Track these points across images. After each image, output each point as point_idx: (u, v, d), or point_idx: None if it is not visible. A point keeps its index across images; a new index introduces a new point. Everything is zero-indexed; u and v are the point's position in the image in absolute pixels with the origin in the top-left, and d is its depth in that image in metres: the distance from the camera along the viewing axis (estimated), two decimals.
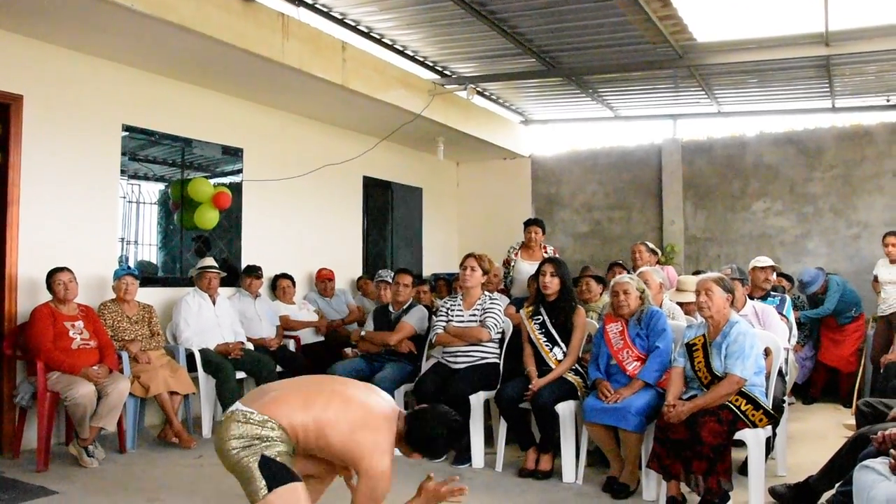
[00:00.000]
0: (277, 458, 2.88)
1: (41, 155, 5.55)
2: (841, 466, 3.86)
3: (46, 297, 5.25)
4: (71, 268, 5.27)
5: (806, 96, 8.54)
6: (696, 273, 6.62)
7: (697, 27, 6.44)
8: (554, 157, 10.38)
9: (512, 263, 6.94)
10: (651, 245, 7.20)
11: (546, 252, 6.84)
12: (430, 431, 3.18)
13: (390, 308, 5.97)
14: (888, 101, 8.42)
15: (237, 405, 3.03)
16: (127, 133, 6.24)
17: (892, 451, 2.98)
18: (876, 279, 7.17)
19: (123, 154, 6.21)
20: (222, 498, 4.26)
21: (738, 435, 3.98)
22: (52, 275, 5.19)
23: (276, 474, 2.84)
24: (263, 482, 2.81)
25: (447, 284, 7.98)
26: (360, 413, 3.06)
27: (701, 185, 9.38)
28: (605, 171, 9.99)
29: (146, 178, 6.55)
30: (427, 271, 9.79)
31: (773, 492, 4.20)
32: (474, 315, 5.34)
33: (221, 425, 2.99)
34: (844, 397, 7.22)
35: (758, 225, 9.05)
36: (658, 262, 7.20)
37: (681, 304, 5.55)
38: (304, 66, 6.25)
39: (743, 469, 4.50)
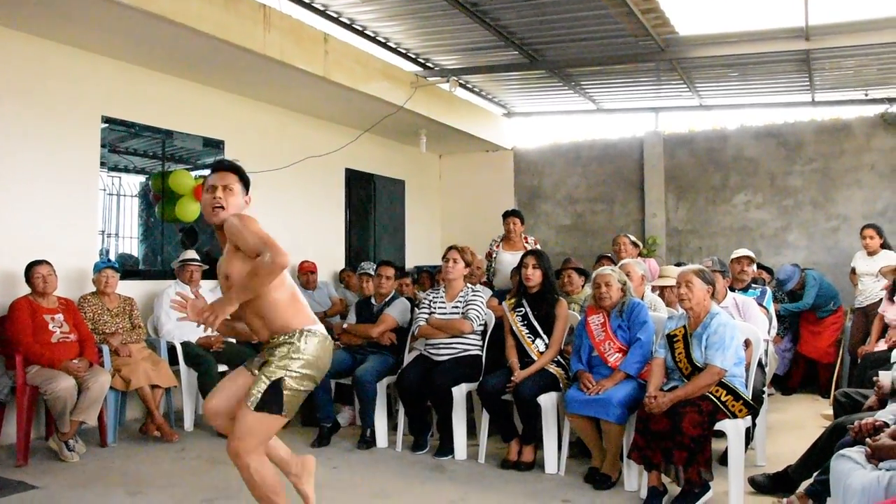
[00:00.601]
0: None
1: (19, 147, 5.48)
2: (819, 456, 3.92)
3: (25, 290, 5.20)
4: (50, 261, 5.23)
5: (786, 90, 8.62)
6: (678, 265, 6.66)
7: (679, 20, 6.47)
8: (536, 150, 10.41)
9: (494, 255, 6.95)
10: (633, 237, 7.25)
11: (528, 244, 6.86)
12: None
13: (373, 300, 5.97)
14: (866, 95, 8.51)
15: (318, 325, 3.22)
16: (107, 125, 6.18)
17: (867, 440, 3.03)
18: (854, 271, 7.26)
19: (103, 146, 6.16)
20: (204, 490, 4.25)
21: (718, 425, 4.01)
22: (30, 268, 5.15)
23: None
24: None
25: (430, 277, 7.99)
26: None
27: (682, 178, 9.43)
28: (588, 164, 10.03)
29: (126, 170, 6.50)
30: (410, 264, 9.80)
31: (752, 481, 4.25)
32: (457, 307, 5.35)
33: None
34: (823, 388, 7.30)
35: (738, 217, 9.13)
36: (640, 255, 7.24)
37: (662, 293, 5.60)
38: (286, 57, 6.22)
39: (723, 459, 4.55)
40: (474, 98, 9.45)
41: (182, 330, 6.03)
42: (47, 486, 4.41)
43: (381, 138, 9.30)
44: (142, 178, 6.66)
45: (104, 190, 6.22)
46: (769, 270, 7.92)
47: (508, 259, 6.63)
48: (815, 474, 3.90)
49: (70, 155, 5.85)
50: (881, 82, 8.11)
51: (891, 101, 8.45)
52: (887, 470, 2.81)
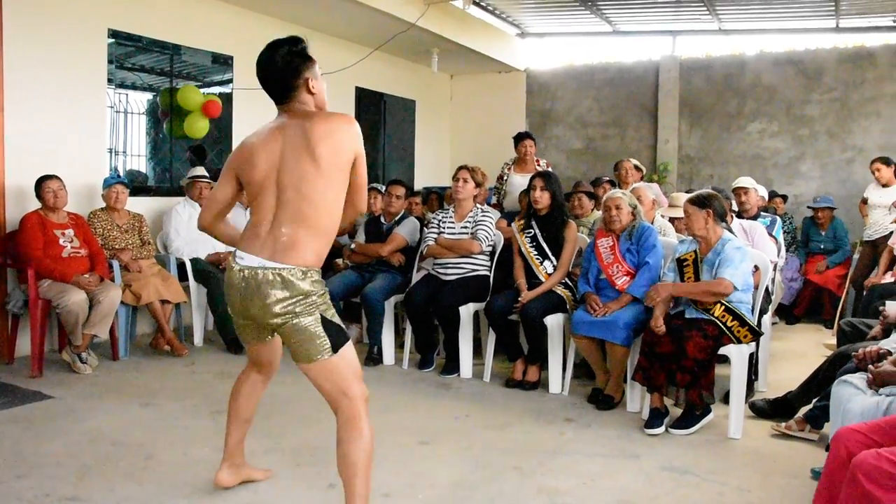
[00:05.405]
0: (333, 319, 2.69)
1: (24, 60, 5.38)
2: (819, 383, 3.97)
3: (35, 205, 5.21)
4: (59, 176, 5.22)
5: (810, 15, 8.36)
6: (689, 192, 6.62)
7: None
8: (549, 72, 10.22)
9: (505, 178, 6.90)
10: (636, 162, 7.18)
11: (540, 166, 6.80)
12: None
13: (382, 219, 5.96)
14: (895, 21, 8.24)
15: (260, 260, 2.62)
16: (113, 39, 6.07)
17: (870, 367, 3.06)
18: (864, 201, 7.21)
19: (110, 62, 6.05)
20: (214, 403, 4.34)
21: (723, 350, 4.04)
22: (40, 182, 5.15)
23: (336, 334, 2.66)
24: (328, 343, 2.63)
25: (439, 198, 7.95)
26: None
27: (697, 104, 9.28)
28: (601, 88, 9.86)
29: (134, 87, 6.42)
30: (419, 185, 9.74)
31: (752, 406, 4.32)
32: (466, 227, 5.35)
33: (258, 287, 2.60)
34: (827, 319, 7.34)
35: (752, 146, 9.00)
36: (643, 179, 7.18)
37: (672, 221, 5.58)
38: None
39: (725, 398, 4.59)
40: (488, 17, 9.22)
41: (191, 247, 6.06)
42: (62, 396, 4.52)
43: (392, 57, 9.13)
44: (149, 96, 6.58)
45: (111, 107, 6.15)
46: (784, 197, 7.97)
47: (519, 181, 6.58)
48: (814, 400, 3.97)
49: (76, 69, 5.75)
50: None
51: None
52: (887, 395, 2.86)
